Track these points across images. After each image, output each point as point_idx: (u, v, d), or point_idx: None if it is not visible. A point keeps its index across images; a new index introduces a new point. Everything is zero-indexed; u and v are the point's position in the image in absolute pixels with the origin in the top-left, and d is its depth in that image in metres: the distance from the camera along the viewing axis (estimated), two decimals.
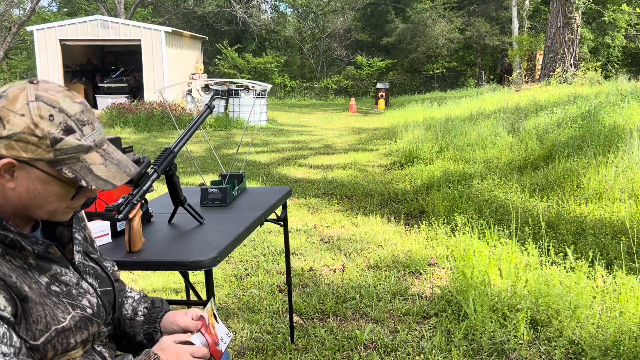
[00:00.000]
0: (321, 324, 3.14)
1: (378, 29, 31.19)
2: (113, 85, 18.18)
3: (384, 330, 3.03)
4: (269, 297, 3.51)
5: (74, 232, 1.28)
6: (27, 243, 1.11)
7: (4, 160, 1.05)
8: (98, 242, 1.80)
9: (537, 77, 21.47)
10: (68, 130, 1.07)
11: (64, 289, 1.16)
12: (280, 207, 2.63)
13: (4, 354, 1.01)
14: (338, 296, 3.50)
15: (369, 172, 7.86)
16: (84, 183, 1.10)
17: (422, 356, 2.74)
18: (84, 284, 1.22)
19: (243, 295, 3.57)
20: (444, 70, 29.32)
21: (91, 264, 1.29)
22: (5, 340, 1.01)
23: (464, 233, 4.39)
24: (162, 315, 1.41)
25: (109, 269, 1.38)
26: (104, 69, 19.70)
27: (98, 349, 1.25)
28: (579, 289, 3.08)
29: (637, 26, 23.35)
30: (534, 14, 27.69)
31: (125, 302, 1.45)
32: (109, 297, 1.30)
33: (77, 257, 1.26)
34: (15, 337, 1.03)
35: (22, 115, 1.04)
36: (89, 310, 1.19)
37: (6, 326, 1.03)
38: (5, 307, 1.03)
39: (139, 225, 1.71)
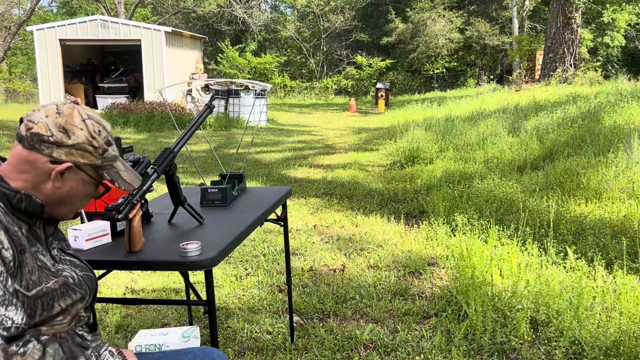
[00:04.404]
0: (321, 324, 3.14)
1: (378, 29, 31.18)
2: (113, 85, 18.20)
3: (384, 330, 3.03)
4: (269, 297, 3.51)
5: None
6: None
7: (67, 164, 1.27)
8: (98, 242, 1.80)
9: (537, 77, 21.47)
10: (108, 143, 1.34)
11: (45, 264, 1.29)
12: (280, 207, 2.63)
13: None
14: (338, 296, 3.49)
15: (369, 172, 7.86)
16: (117, 185, 1.35)
17: (422, 356, 2.74)
18: (60, 266, 1.34)
19: (243, 295, 3.57)
20: (444, 70, 29.31)
21: (67, 257, 1.41)
22: (1, 279, 1.13)
23: (464, 233, 4.39)
24: None
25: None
26: (104, 69, 19.72)
27: (80, 332, 1.36)
28: (579, 289, 3.08)
29: (637, 26, 23.35)
30: (534, 14, 27.69)
31: None
32: (91, 282, 1.42)
33: (54, 251, 1.37)
34: (10, 281, 1.15)
35: (82, 129, 1.29)
36: (71, 280, 1.32)
37: (4, 267, 1.14)
38: (8, 248, 1.16)
39: (139, 225, 1.71)
